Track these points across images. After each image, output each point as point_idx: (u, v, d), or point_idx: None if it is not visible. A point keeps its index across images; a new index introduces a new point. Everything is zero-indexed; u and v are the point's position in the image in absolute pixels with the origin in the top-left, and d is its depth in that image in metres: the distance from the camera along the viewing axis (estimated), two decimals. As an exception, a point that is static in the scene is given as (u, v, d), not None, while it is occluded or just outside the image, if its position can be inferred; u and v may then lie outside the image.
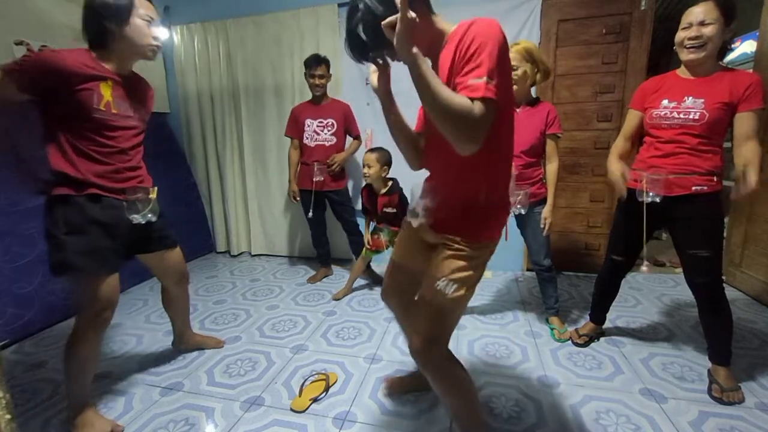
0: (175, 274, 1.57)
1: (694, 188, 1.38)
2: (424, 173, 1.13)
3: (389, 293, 1.30)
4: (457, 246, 0.98)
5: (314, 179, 2.44)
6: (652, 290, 2.45)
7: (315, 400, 1.48)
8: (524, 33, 2.49)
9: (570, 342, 1.83)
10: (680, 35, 1.34)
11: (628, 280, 1.71)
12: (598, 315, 1.82)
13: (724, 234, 2.27)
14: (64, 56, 1.11)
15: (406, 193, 2.20)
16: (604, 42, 2.45)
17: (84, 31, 1.18)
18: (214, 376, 1.65)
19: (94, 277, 1.20)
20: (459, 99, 0.77)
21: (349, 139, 2.63)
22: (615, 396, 1.47)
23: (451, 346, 1.83)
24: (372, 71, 0.96)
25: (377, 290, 2.54)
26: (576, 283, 2.60)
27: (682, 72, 1.44)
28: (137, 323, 2.16)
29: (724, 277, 1.49)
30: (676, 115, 1.38)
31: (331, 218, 2.69)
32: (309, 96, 2.55)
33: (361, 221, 2.53)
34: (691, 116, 1.35)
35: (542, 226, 1.79)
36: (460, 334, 1.96)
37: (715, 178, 1.37)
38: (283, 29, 2.88)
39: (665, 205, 1.40)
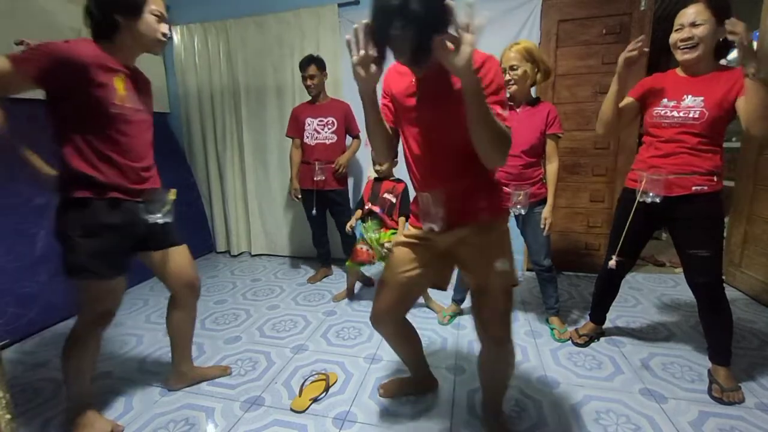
0: (180, 276, 1.43)
1: (694, 188, 1.38)
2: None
3: (389, 315, 1.23)
4: (486, 228, 1.06)
5: (315, 178, 2.45)
6: (652, 290, 2.45)
7: (315, 400, 1.48)
8: (524, 33, 2.49)
9: (570, 342, 1.83)
10: (673, 37, 1.35)
11: (628, 280, 1.71)
12: (599, 315, 1.82)
13: (724, 234, 2.27)
14: (77, 47, 1.05)
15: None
16: (604, 42, 2.46)
17: (89, 20, 1.11)
18: (215, 376, 1.65)
19: (104, 280, 1.20)
20: (502, 124, 0.90)
21: (348, 139, 2.64)
22: (615, 396, 1.47)
23: (451, 345, 1.84)
24: (359, 63, 0.89)
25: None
26: (576, 283, 2.60)
27: (680, 71, 1.44)
28: (137, 323, 2.16)
29: (724, 277, 1.49)
30: (676, 114, 1.38)
31: (331, 219, 2.69)
32: (309, 96, 2.56)
33: (357, 224, 2.53)
34: (691, 115, 1.35)
35: (542, 226, 1.79)
36: (460, 334, 1.96)
37: (715, 178, 1.37)
38: (283, 29, 2.88)
39: (665, 206, 1.40)
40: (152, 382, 1.62)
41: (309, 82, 2.43)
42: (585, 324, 1.88)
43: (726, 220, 2.44)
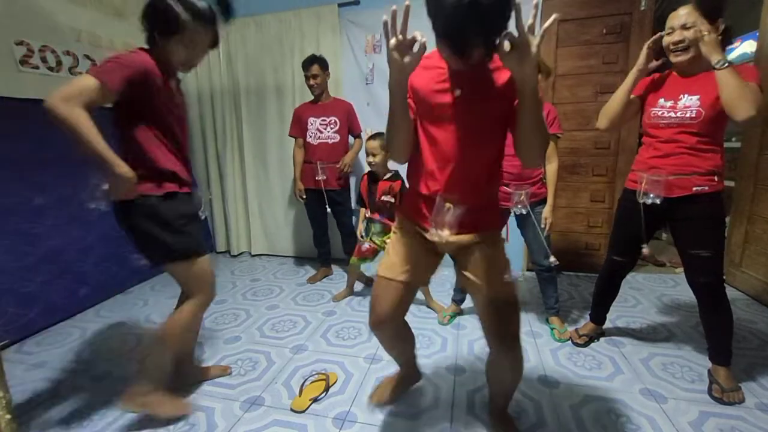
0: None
1: (694, 189, 1.37)
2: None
3: (391, 319, 1.17)
4: (491, 238, 1.08)
5: (317, 178, 2.45)
6: (652, 290, 2.45)
7: (315, 400, 1.48)
8: (524, 33, 2.49)
9: (570, 342, 1.83)
10: (665, 40, 1.36)
11: (628, 280, 1.71)
12: (599, 315, 1.82)
13: (725, 234, 2.27)
14: (142, 57, 1.14)
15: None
16: (605, 42, 2.45)
17: (146, 23, 1.18)
18: (215, 376, 1.65)
19: (207, 254, 1.37)
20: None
21: (350, 139, 2.64)
22: (615, 396, 1.47)
23: (451, 345, 1.84)
24: (397, 48, 0.80)
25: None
26: (576, 283, 2.60)
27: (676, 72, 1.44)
28: (138, 323, 2.16)
29: (725, 278, 1.49)
30: (673, 114, 1.38)
31: (332, 218, 2.69)
32: (310, 96, 2.56)
33: (357, 221, 2.53)
34: (688, 114, 1.35)
35: (543, 225, 1.79)
36: (460, 333, 1.96)
37: (716, 178, 1.36)
38: (283, 29, 2.88)
39: (666, 206, 1.40)
40: (152, 382, 1.62)
41: (312, 82, 2.43)
42: (585, 324, 1.88)
43: (727, 220, 2.44)
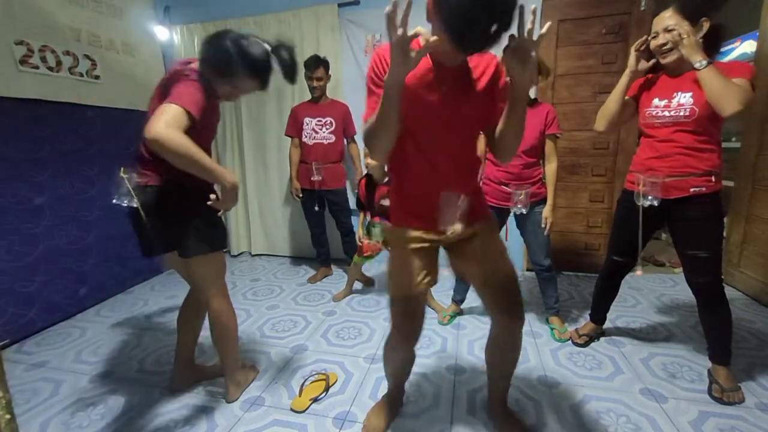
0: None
1: (692, 190, 1.37)
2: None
3: (420, 334, 1.23)
4: (489, 224, 1.13)
5: (312, 178, 2.46)
6: (652, 290, 2.45)
7: (315, 400, 1.48)
8: (524, 33, 2.49)
9: (570, 342, 1.83)
10: (652, 43, 1.39)
11: (628, 280, 1.71)
12: (599, 315, 1.82)
13: (724, 234, 2.27)
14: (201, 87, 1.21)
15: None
16: (604, 42, 2.46)
17: (204, 52, 1.22)
18: (215, 376, 1.65)
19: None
20: None
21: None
22: (615, 396, 1.47)
23: (451, 345, 1.84)
24: (403, 43, 0.74)
25: (376, 291, 2.54)
26: (576, 283, 2.61)
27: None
28: (138, 323, 2.16)
29: (723, 278, 1.49)
30: (667, 114, 1.39)
31: (331, 218, 2.69)
32: (309, 96, 2.56)
33: (356, 221, 2.53)
34: (681, 113, 1.35)
35: (543, 225, 1.79)
36: (460, 333, 1.96)
37: (713, 179, 1.36)
38: (283, 29, 2.87)
39: (664, 207, 1.40)
40: (152, 382, 1.62)
41: (315, 84, 2.43)
42: (585, 324, 1.88)
43: (724, 220, 2.44)
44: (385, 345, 1.29)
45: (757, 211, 2.30)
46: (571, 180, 2.66)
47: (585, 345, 1.81)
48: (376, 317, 2.17)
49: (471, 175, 1.11)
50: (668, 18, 1.32)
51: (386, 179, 2.20)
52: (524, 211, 1.72)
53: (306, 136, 2.52)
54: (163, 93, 1.15)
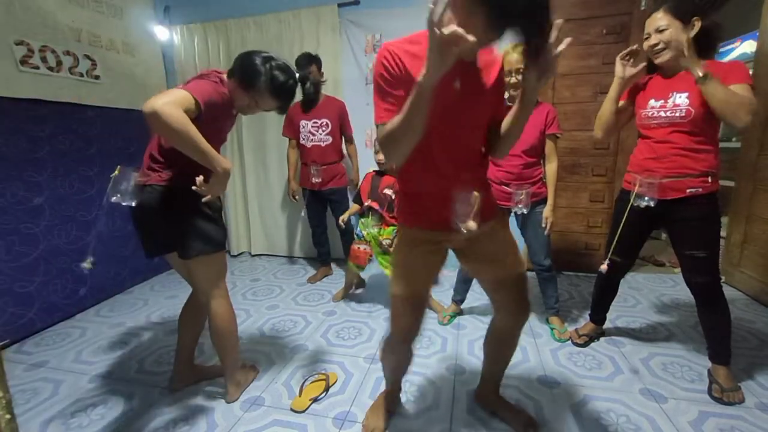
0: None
1: (688, 191, 1.37)
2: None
3: (417, 333, 1.19)
4: (501, 221, 1.13)
5: (312, 180, 2.46)
6: (652, 290, 2.45)
7: (315, 400, 1.48)
8: (524, 33, 2.49)
9: (570, 342, 1.83)
10: (644, 44, 1.39)
11: (628, 280, 1.71)
12: (598, 315, 1.82)
13: (723, 234, 2.27)
14: (223, 89, 1.26)
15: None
16: (605, 42, 2.46)
17: (238, 63, 1.32)
18: (215, 376, 1.65)
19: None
20: None
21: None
22: (615, 396, 1.47)
23: (451, 345, 1.84)
24: (454, 40, 0.67)
25: (376, 291, 2.54)
26: (576, 283, 2.60)
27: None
28: (138, 323, 2.16)
29: (722, 277, 1.48)
30: (663, 114, 1.39)
31: (331, 218, 2.69)
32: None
33: (356, 220, 2.53)
34: (677, 114, 1.35)
35: (544, 225, 1.79)
36: (460, 333, 1.96)
37: (709, 179, 1.36)
38: (283, 29, 2.88)
39: (661, 208, 1.40)
40: (152, 382, 1.62)
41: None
42: (585, 324, 1.88)
43: (724, 220, 2.44)
44: (384, 343, 1.28)
45: (758, 211, 2.30)
46: (571, 180, 2.66)
47: (585, 345, 1.81)
48: (376, 317, 2.16)
49: (480, 173, 1.09)
50: (659, 19, 1.33)
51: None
52: (525, 211, 1.72)
53: (303, 139, 2.52)
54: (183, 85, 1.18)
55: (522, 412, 1.35)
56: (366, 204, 2.24)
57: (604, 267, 1.47)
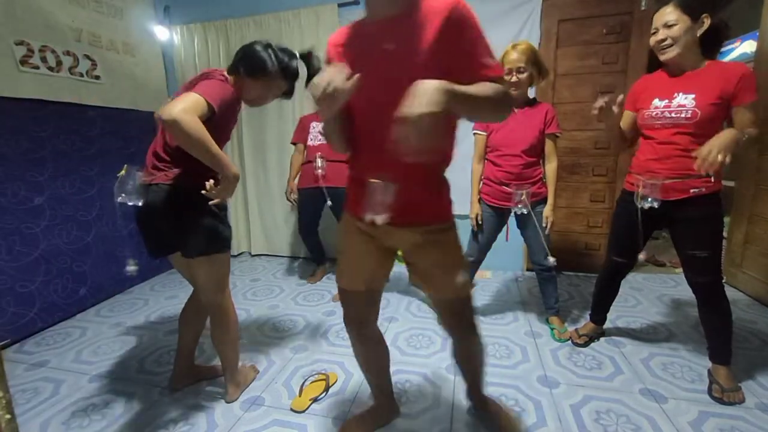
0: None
1: (692, 191, 1.36)
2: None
3: (366, 322, 1.19)
4: (439, 229, 0.96)
5: (316, 172, 2.38)
6: (652, 290, 2.45)
7: (315, 400, 1.48)
8: (524, 33, 2.49)
9: (570, 342, 1.83)
10: (651, 40, 1.37)
11: (628, 280, 1.71)
12: (599, 315, 1.82)
13: (725, 233, 2.26)
14: (230, 88, 1.26)
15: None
16: (605, 42, 2.45)
17: (238, 56, 1.31)
18: (214, 376, 1.65)
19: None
20: (492, 87, 0.80)
21: None
22: (615, 396, 1.47)
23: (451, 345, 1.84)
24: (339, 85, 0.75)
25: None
26: (576, 283, 2.60)
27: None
28: (137, 323, 2.16)
29: (724, 277, 1.48)
30: (668, 115, 1.37)
31: (326, 218, 2.69)
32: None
33: None
34: (683, 115, 1.34)
35: (544, 224, 1.79)
36: (460, 334, 1.95)
37: (712, 179, 1.35)
38: (283, 29, 2.88)
39: (664, 209, 1.39)
40: (152, 382, 1.62)
41: None
42: (585, 324, 1.88)
43: (727, 220, 2.44)
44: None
45: (760, 212, 2.29)
46: (571, 180, 2.66)
47: (585, 345, 1.80)
48: (376, 317, 2.16)
49: (423, 167, 0.83)
50: (669, 13, 1.30)
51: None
52: (525, 211, 1.72)
53: (311, 139, 2.54)
54: (188, 88, 1.19)
55: (503, 409, 1.33)
56: None
57: (642, 256, 1.51)
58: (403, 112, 0.67)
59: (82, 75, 2.30)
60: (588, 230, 2.71)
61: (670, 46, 1.32)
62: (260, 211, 3.30)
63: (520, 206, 1.70)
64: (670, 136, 1.38)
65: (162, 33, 2.97)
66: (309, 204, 2.57)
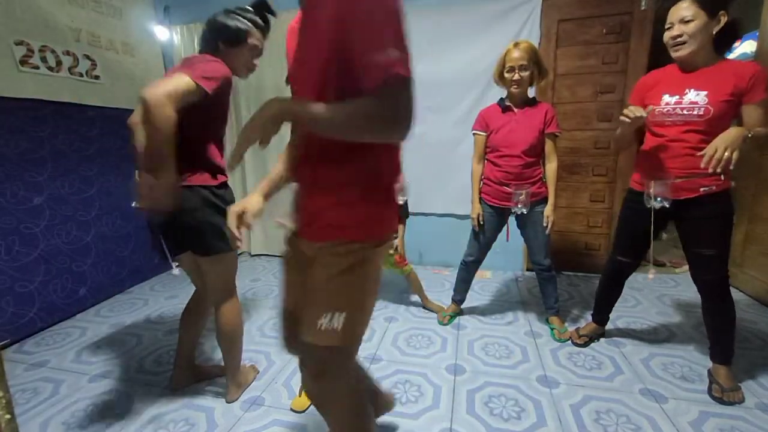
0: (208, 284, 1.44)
1: (702, 190, 1.35)
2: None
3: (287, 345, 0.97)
4: (336, 251, 0.75)
5: None
6: (653, 290, 2.45)
7: (315, 400, 1.48)
8: (524, 33, 2.49)
9: (570, 342, 1.83)
10: (665, 35, 1.34)
11: (629, 280, 1.71)
12: (601, 315, 1.81)
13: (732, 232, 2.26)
14: (224, 66, 1.23)
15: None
16: (605, 42, 2.45)
17: (201, 42, 1.32)
18: (214, 376, 1.65)
19: None
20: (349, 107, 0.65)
21: None
22: (615, 396, 1.47)
23: (451, 345, 1.84)
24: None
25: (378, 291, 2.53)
26: (576, 283, 2.60)
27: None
28: (137, 323, 2.16)
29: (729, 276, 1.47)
30: (679, 112, 1.35)
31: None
32: None
33: None
34: (695, 112, 1.32)
35: (545, 224, 1.79)
36: (460, 334, 1.96)
37: (722, 177, 1.34)
38: (282, 29, 2.87)
39: (674, 208, 1.38)
40: (152, 382, 1.62)
41: None
42: (586, 324, 1.88)
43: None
44: None
45: (761, 211, 2.29)
46: (571, 180, 2.66)
47: (585, 345, 1.80)
48: (375, 317, 2.16)
49: (322, 165, 0.73)
50: (685, 8, 1.27)
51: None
52: (525, 211, 1.72)
53: None
54: (180, 68, 1.18)
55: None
56: None
57: (651, 276, 1.56)
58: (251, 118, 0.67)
59: (81, 75, 2.30)
60: (588, 230, 2.70)
61: (684, 42, 1.29)
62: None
63: (519, 206, 1.70)
64: (680, 134, 1.36)
65: (162, 33, 2.96)
66: None
